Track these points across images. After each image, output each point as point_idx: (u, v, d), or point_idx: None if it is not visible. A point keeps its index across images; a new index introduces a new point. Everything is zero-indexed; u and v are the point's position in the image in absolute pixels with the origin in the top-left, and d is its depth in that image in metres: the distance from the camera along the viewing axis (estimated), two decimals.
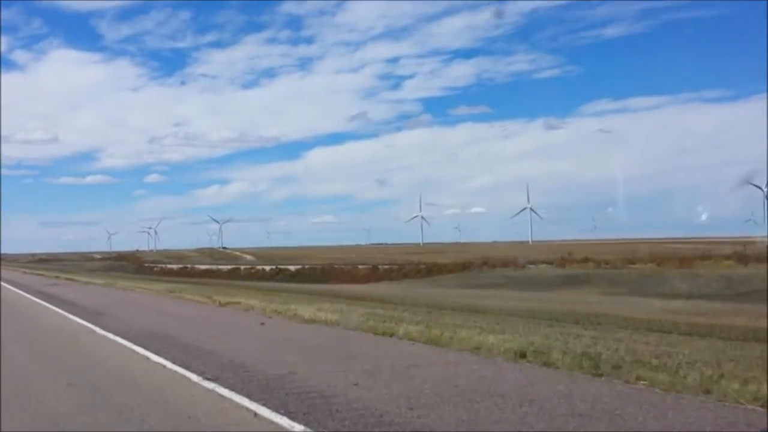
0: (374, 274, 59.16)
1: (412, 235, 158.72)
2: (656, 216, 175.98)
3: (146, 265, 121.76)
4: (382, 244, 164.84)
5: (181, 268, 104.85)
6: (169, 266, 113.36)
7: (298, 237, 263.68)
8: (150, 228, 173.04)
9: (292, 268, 75.66)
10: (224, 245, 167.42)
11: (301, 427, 5.42)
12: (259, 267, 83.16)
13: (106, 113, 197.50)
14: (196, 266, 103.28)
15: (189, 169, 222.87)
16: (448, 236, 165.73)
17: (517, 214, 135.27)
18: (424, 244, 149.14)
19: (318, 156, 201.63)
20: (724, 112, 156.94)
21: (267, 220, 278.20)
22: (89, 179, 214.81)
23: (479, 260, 50.86)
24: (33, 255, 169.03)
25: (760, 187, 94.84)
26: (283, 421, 5.65)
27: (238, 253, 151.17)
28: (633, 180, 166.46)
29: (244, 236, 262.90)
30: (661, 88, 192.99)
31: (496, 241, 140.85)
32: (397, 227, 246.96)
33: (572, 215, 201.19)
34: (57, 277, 43.46)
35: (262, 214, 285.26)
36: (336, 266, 68.93)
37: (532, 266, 43.94)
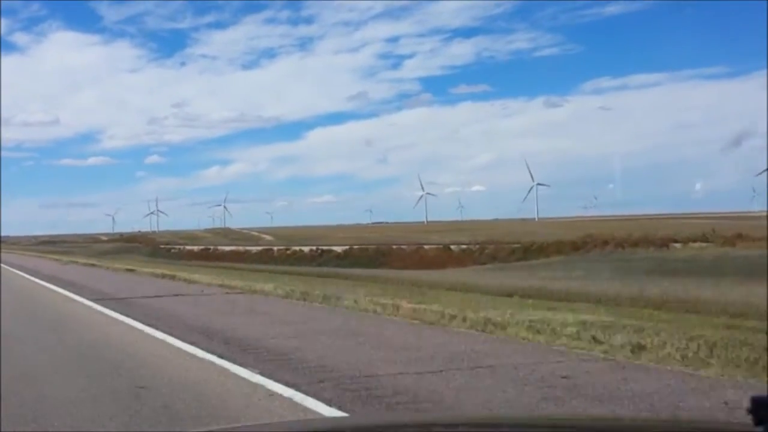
0: (450, 257, 50.71)
1: (413, 214, 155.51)
2: (656, 191, 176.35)
3: (162, 246, 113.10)
4: (383, 222, 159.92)
5: (202, 250, 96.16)
6: (187, 248, 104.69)
7: (300, 217, 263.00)
8: (152, 210, 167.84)
9: (337, 248, 67.14)
10: (227, 225, 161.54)
11: None
12: (296, 248, 74.56)
13: (106, 95, 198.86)
14: (219, 248, 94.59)
15: (189, 149, 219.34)
16: (449, 214, 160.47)
17: (527, 196, 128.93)
18: (428, 222, 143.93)
19: (319, 136, 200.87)
20: (724, 89, 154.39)
21: (268, 201, 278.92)
22: (90, 161, 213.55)
23: (588, 239, 42.30)
24: (35, 237, 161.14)
25: None
26: None
27: (255, 233, 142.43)
28: (633, 157, 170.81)
29: (245, 216, 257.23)
30: (661, 65, 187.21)
31: (497, 219, 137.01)
32: (398, 206, 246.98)
33: (572, 192, 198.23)
34: (131, 270, 29.40)
35: (263, 195, 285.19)
36: (394, 246, 60.34)
37: (677, 245, 35.48)
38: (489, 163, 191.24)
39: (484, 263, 45.76)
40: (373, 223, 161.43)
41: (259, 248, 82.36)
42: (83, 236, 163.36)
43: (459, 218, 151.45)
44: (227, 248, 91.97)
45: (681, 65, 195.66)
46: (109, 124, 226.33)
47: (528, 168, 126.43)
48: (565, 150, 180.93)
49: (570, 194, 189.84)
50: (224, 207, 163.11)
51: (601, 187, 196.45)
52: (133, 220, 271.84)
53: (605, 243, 39.29)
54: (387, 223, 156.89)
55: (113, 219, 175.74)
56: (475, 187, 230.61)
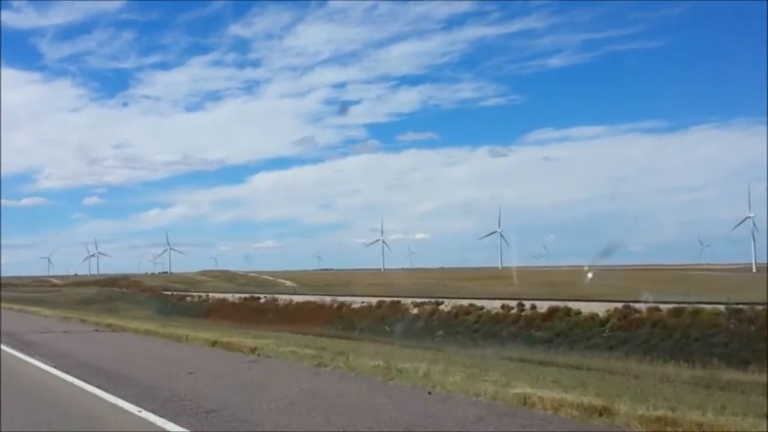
0: None
1: (362, 261, 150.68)
2: (597, 243, 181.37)
3: (166, 292, 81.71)
4: (330, 269, 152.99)
5: (247, 300, 65.87)
6: (213, 296, 73.69)
7: (244, 262, 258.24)
8: (92, 253, 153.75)
9: (540, 304, 39.40)
10: (172, 269, 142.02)
11: None
12: (463, 302, 46.19)
13: (45, 134, 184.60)
14: (277, 297, 64.28)
15: (130, 191, 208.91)
16: (397, 262, 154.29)
17: (486, 236, 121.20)
18: (385, 269, 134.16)
19: (263, 180, 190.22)
20: (662, 143, 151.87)
21: (209, 245, 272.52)
22: (25, 201, 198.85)
23: None
24: None
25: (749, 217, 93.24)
26: None
27: (268, 277, 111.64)
28: (576, 207, 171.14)
29: (185, 260, 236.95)
30: (602, 118, 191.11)
31: (443, 267, 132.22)
32: (342, 253, 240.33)
33: (515, 241, 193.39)
34: None
35: (205, 239, 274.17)
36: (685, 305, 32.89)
37: None
38: (433, 210, 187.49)
39: None
40: (321, 270, 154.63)
41: (372, 300, 53.24)
42: (33, 278, 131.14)
43: (409, 266, 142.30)
44: (298, 299, 62.21)
45: (620, 119, 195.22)
46: (47, 164, 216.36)
47: (488, 233, 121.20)
48: (509, 199, 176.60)
49: (512, 243, 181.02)
50: (169, 250, 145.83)
51: (543, 238, 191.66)
52: (69, 263, 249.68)
53: None
54: (333, 269, 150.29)
55: (49, 261, 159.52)
56: (419, 235, 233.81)
